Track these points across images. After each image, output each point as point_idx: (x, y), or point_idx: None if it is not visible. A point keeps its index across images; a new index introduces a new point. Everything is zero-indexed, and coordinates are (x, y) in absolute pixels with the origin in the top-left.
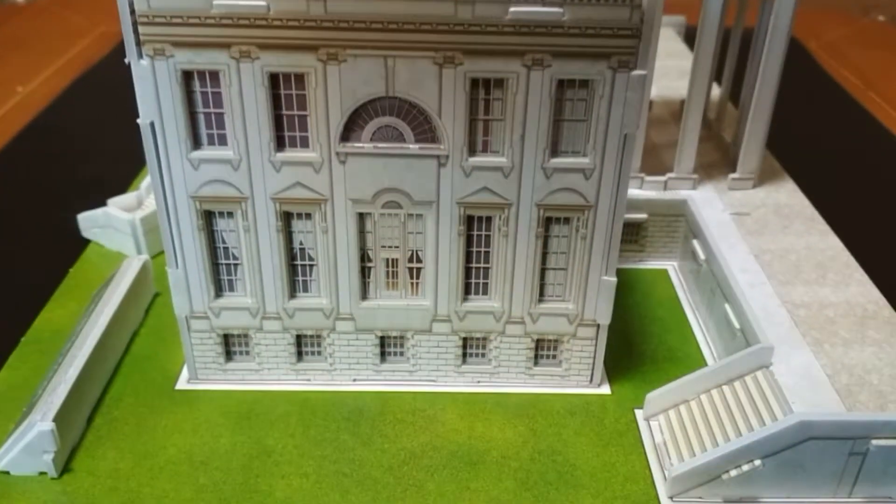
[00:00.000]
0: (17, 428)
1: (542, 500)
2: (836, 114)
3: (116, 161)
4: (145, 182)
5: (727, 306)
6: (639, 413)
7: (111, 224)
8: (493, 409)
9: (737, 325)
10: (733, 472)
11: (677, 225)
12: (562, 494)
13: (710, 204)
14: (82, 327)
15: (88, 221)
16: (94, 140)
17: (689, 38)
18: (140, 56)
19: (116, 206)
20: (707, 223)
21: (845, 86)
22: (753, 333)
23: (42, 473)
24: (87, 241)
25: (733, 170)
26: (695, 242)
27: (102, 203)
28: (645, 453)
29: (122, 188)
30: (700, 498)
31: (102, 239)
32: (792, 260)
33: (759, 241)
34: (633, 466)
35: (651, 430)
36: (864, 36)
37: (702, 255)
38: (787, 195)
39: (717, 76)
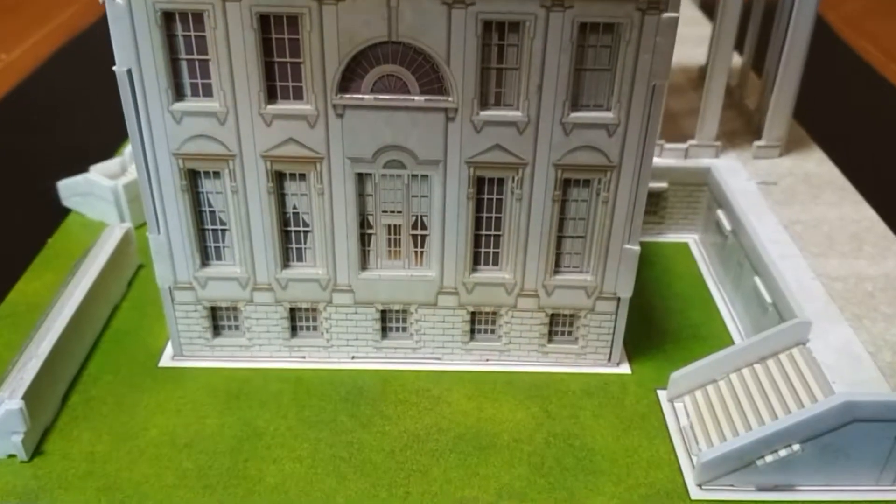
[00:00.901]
0: None
1: (558, 487)
2: (857, 84)
3: (101, 130)
4: (129, 149)
5: (757, 279)
6: (662, 394)
7: (93, 192)
8: (503, 390)
9: (768, 300)
10: (769, 458)
11: (699, 195)
12: (579, 481)
13: (735, 172)
14: (58, 299)
15: (69, 189)
16: (78, 109)
17: (704, 7)
18: None
19: (99, 173)
20: (733, 192)
21: (865, 57)
22: (788, 308)
23: (11, 456)
24: (67, 211)
25: (757, 138)
26: (720, 213)
27: (85, 171)
28: (670, 437)
29: (106, 157)
30: (731, 486)
31: (83, 208)
32: (825, 231)
33: (789, 212)
34: (656, 451)
35: (676, 413)
36: (883, 8)
37: (728, 227)
38: (816, 164)
39: (738, 45)
